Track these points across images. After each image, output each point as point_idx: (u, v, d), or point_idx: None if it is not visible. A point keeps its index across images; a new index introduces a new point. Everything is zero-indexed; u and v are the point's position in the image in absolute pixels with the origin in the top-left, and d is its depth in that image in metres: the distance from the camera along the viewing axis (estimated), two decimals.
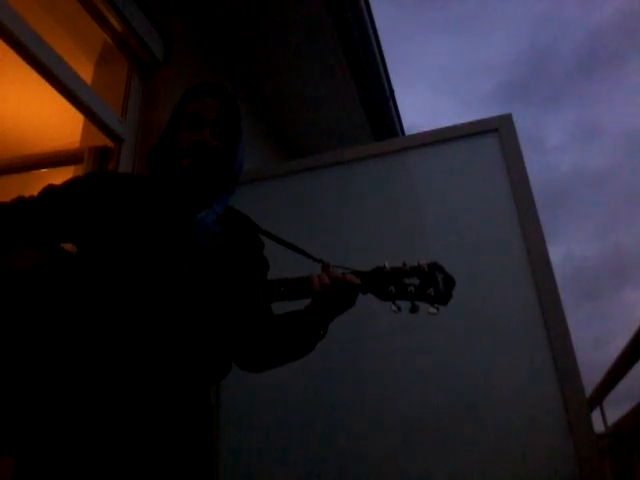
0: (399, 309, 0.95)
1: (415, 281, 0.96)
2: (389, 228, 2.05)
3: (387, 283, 0.96)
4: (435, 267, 0.98)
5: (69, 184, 1.10)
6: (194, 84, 1.18)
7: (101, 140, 2.06)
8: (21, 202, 1.06)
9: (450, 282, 0.98)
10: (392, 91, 3.42)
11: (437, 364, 1.80)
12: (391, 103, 3.48)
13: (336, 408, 1.85)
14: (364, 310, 1.94)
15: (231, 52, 2.88)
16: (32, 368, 0.89)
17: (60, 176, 2.31)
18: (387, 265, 0.98)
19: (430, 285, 0.96)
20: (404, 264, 0.98)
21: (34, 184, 2.42)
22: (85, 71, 2.17)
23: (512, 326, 1.77)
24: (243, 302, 0.96)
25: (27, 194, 1.10)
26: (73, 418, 0.89)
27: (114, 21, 2.10)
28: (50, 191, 1.08)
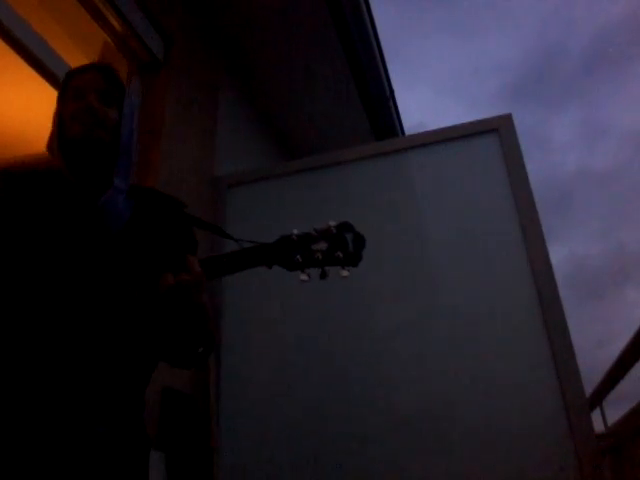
0: (309, 277, 0.90)
1: (323, 246, 0.91)
2: (389, 228, 2.05)
3: (293, 252, 0.91)
4: (344, 227, 0.93)
5: None
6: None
7: None
8: None
9: (360, 241, 0.94)
10: (392, 91, 3.42)
11: (437, 364, 1.80)
12: (391, 103, 3.48)
13: (336, 410, 1.85)
14: (364, 309, 1.96)
15: (231, 52, 2.88)
16: None
17: None
18: (294, 233, 0.92)
19: (338, 248, 0.91)
20: (313, 228, 0.92)
21: None
22: None
23: (512, 326, 1.77)
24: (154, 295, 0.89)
25: None
26: (8, 423, 0.85)
27: (114, 21, 2.10)
28: None
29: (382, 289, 1.93)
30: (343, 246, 0.92)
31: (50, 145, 1.07)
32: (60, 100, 1.09)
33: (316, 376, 1.92)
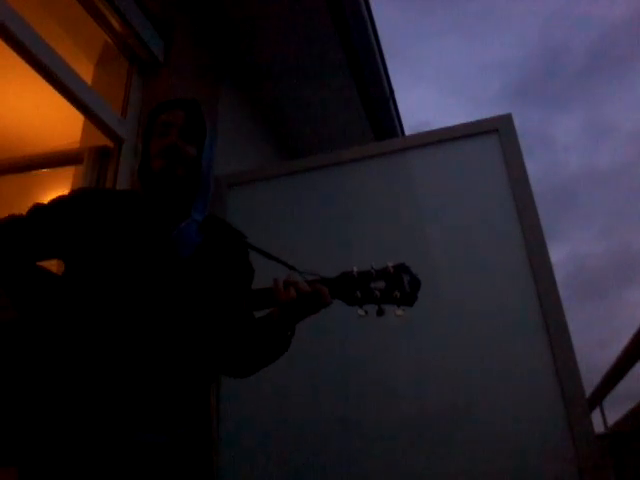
0: (366, 313, 0.96)
1: (381, 284, 0.97)
2: (389, 228, 2.05)
3: (354, 288, 0.97)
4: (401, 269, 0.98)
5: (55, 202, 1.14)
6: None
7: (101, 140, 2.06)
8: (12, 220, 1.10)
9: (416, 283, 0.98)
10: (392, 91, 3.42)
11: (437, 364, 1.80)
12: (391, 103, 3.48)
13: (337, 410, 1.85)
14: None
15: (231, 52, 2.88)
16: (29, 382, 0.92)
17: (60, 177, 2.32)
18: (355, 270, 0.98)
19: (396, 287, 0.96)
20: (372, 267, 0.99)
21: (34, 185, 2.42)
22: (85, 71, 2.17)
23: (512, 326, 1.77)
24: (216, 315, 0.99)
25: (26, 195, 1.12)
26: (67, 428, 0.90)
27: (114, 21, 2.10)
28: (38, 209, 1.12)
29: None
30: (400, 286, 0.96)
31: (135, 176, 1.20)
32: (146, 134, 1.19)
33: (316, 376, 1.92)
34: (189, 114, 1.16)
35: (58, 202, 1.14)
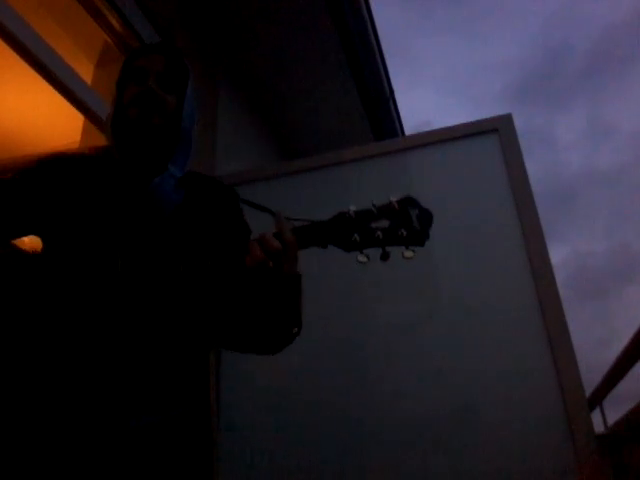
0: (368, 258, 0.82)
1: (384, 223, 0.83)
2: None
3: (351, 231, 0.83)
4: (407, 202, 0.85)
5: (20, 174, 1.05)
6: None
7: (101, 140, 2.06)
8: None
9: (426, 217, 0.86)
10: (392, 91, 3.42)
11: (436, 364, 1.80)
12: (391, 103, 3.48)
13: (337, 409, 1.85)
14: (364, 310, 1.96)
15: (231, 53, 2.88)
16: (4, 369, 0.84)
17: None
18: (351, 209, 0.86)
19: (402, 225, 0.83)
20: (372, 204, 0.85)
21: None
22: (85, 71, 2.18)
23: (512, 326, 1.77)
24: (206, 282, 0.88)
25: None
26: (40, 417, 0.82)
27: (114, 21, 2.10)
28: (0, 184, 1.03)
29: (382, 289, 1.93)
30: (407, 223, 0.83)
31: (105, 126, 1.06)
32: (121, 80, 1.05)
33: (317, 375, 1.92)
34: (169, 60, 1.04)
35: (23, 173, 1.04)
